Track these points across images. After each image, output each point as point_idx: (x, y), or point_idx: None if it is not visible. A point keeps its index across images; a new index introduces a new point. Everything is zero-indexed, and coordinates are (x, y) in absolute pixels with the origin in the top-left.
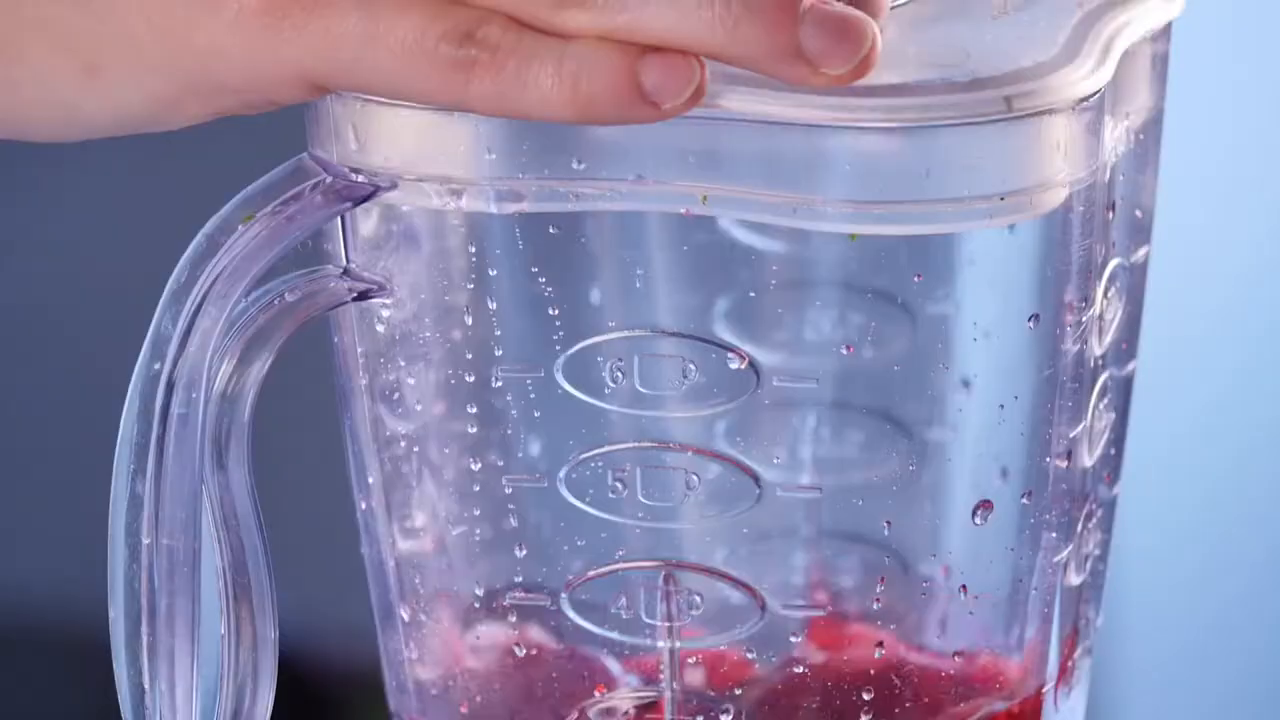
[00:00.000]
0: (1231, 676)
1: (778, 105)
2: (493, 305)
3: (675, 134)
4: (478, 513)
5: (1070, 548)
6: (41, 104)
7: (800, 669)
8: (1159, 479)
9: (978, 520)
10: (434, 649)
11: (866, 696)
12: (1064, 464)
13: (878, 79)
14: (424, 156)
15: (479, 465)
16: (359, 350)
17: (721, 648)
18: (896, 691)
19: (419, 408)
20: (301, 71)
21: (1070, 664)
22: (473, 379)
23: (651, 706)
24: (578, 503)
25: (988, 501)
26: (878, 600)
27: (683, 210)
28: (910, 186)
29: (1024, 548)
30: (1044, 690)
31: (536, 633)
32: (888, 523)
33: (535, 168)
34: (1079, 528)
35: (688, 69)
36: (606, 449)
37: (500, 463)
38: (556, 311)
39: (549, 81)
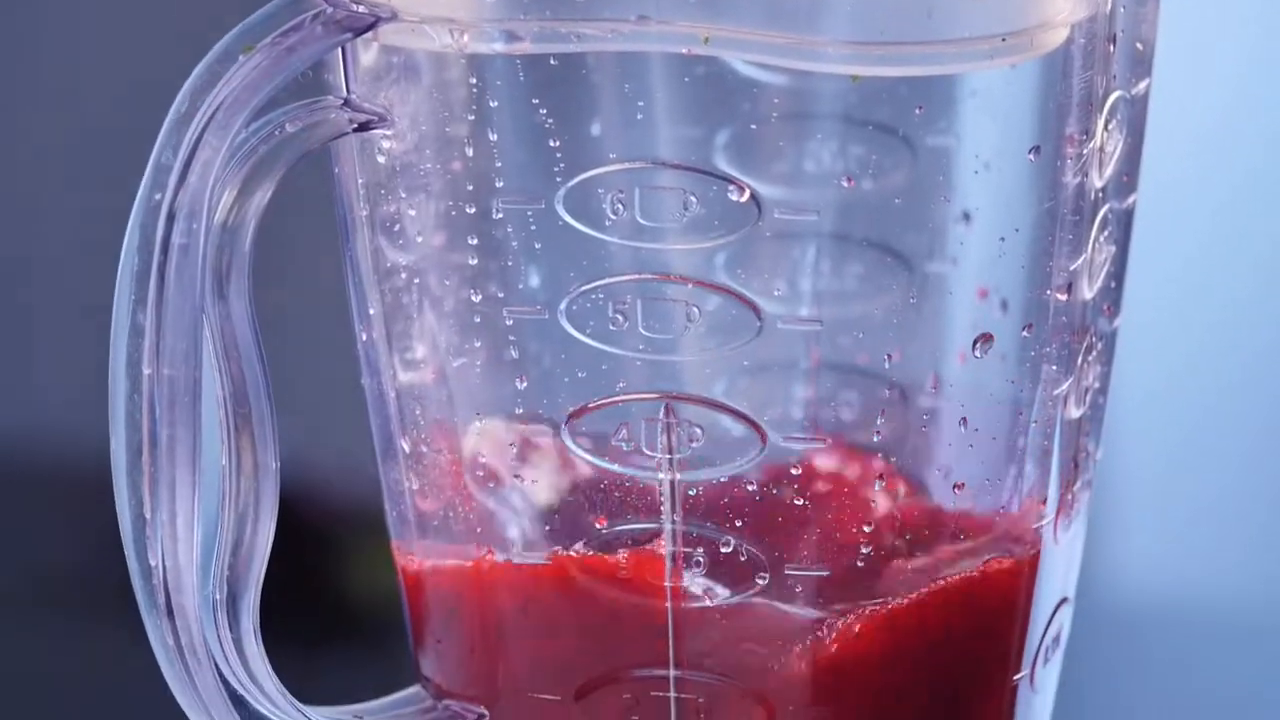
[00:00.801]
0: (1229, 505)
1: None
2: (493, 137)
3: None
4: (478, 344)
5: (1070, 381)
6: None
7: (800, 501)
8: (1159, 312)
9: (978, 353)
10: (435, 480)
11: (866, 530)
12: (1064, 297)
13: None
14: None
15: (479, 297)
16: (359, 182)
17: (722, 480)
18: (896, 524)
19: (419, 239)
20: None
21: (1070, 496)
22: (473, 210)
23: (652, 538)
24: (578, 334)
25: (988, 334)
26: (878, 433)
27: (684, 50)
28: (911, 27)
29: (1024, 380)
30: (1043, 522)
31: (538, 468)
32: (888, 355)
33: (537, 9)
34: (1079, 361)
35: None
36: (607, 281)
37: (500, 294)
38: (557, 143)
39: None
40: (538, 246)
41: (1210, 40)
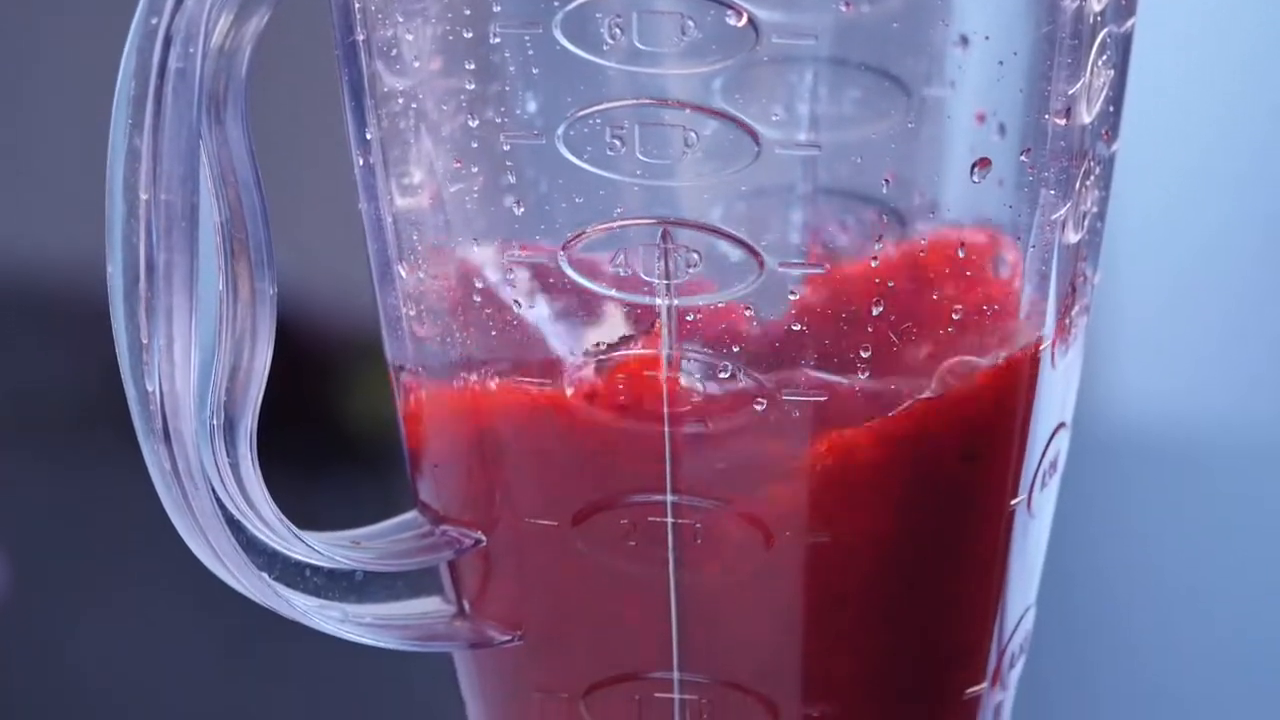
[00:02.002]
0: (1226, 331)
1: None
2: None
3: None
4: (475, 170)
5: (1068, 206)
6: None
7: (798, 326)
8: (1157, 137)
9: (975, 178)
10: (432, 306)
11: (864, 354)
12: (1062, 121)
13: None
14: None
15: (476, 123)
16: (356, 6)
17: (719, 305)
18: (894, 348)
19: (416, 64)
20: None
21: (1067, 322)
22: (470, 35)
23: (649, 364)
24: (575, 160)
25: (985, 159)
26: (875, 258)
27: None
28: None
29: (1021, 205)
30: (1041, 347)
31: (534, 291)
32: (886, 180)
33: None
34: (1077, 185)
35: None
36: (604, 106)
37: (498, 120)
38: None
39: None
40: (535, 72)
41: None
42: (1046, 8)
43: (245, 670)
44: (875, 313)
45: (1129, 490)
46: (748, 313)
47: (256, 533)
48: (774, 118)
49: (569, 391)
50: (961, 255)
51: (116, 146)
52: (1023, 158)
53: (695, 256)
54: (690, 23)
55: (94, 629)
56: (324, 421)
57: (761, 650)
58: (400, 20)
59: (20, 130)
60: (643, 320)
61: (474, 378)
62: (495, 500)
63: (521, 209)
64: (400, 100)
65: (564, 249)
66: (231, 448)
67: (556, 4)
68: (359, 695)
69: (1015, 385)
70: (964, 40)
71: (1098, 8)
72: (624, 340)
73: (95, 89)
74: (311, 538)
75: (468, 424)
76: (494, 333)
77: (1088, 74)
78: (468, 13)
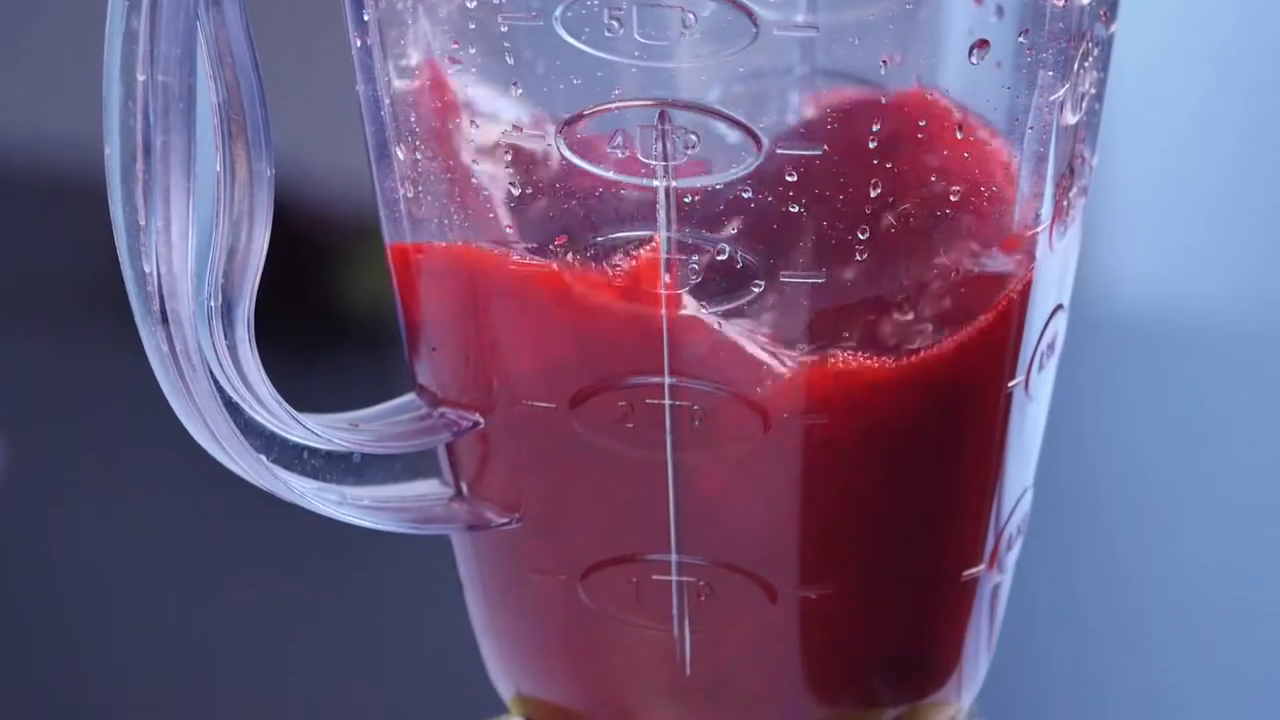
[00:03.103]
0: (1222, 213)
1: None
2: None
3: None
4: (473, 51)
5: (1066, 87)
6: None
7: (795, 208)
8: (1156, 17)
9: (974, 59)
10: (429, 187)
11: (862, 236)
12: (1060, 2)
13: None
14: None
15: (474, 3)
16: None
17: (717, 187)
18: (892, 231)
19: None
20: None
21: (1065, 203)
22: None
23: (648, 245)
24: (574, 41)
25: (984, 40)
26: (874, 139)
27: None
28: None
29: (1020, 87)
30: (1039, 229)
31: (532, 173)
32: (884, 62)
33: None
34: (1075, 66)
35: None
36: None
37: (496, 0)
38: None
39: None
40: None
41: None
42: None
43: (241, 552)
44: (873, 194)
45: (1126, 370)
46: (745, 194)
47: (254, 415)
48: None
49: (566, 274)
50: (959, 136)
51: (114, 28)
52: (1021, 39)
53: (693, 138)
54: None
55: (90, 512)
56: (322, 304)
57: (759, 532)
58: None
59: (19, 11)
60: (641, 202)
61: (471, 259)
62: (493, 383)
63: (519, 90)
64: None
65: (562, 131)
66: (229, 330)
67: None
68: (356, 580)
69: (1013, 267)
70: None
71: None
72: (621, 222)
73: None
74: (309, 420)
75: (465, 306)
76: (491, 214)
77: None
78: None
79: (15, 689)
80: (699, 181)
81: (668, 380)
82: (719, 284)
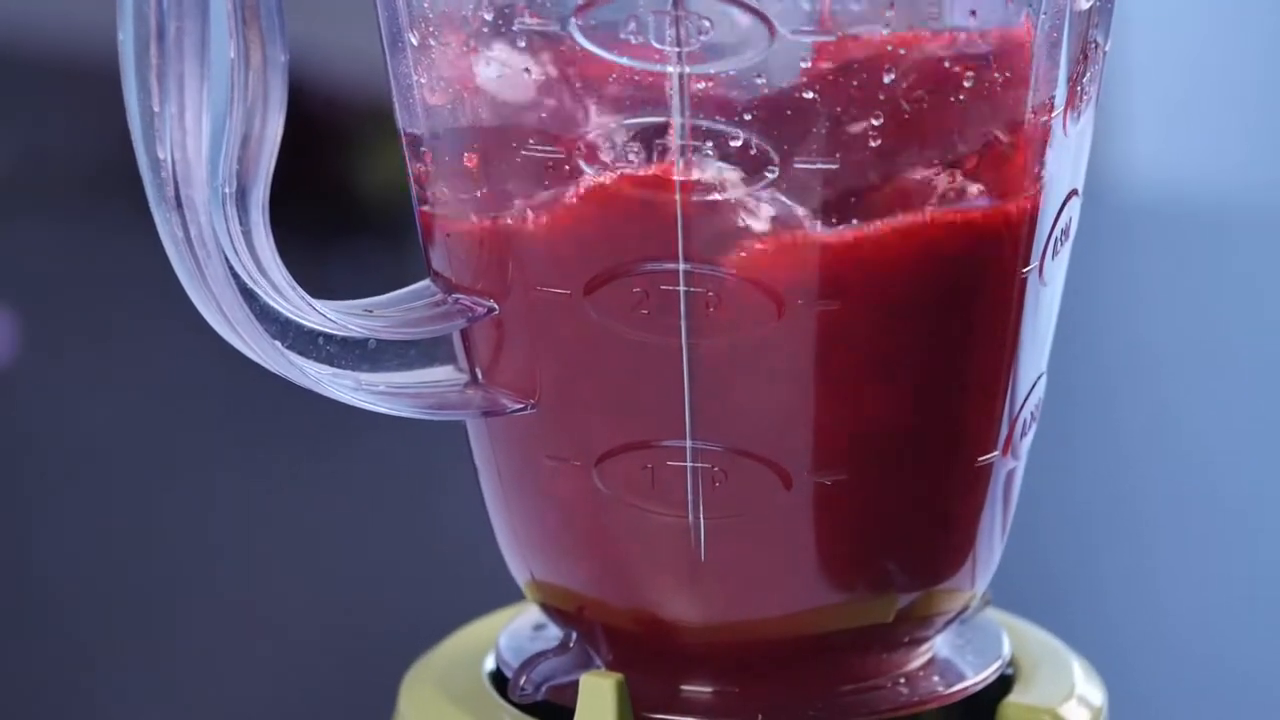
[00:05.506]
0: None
1: None
2: None
3: None
4: None
5: None
6: None
7: (810, 94)
8: None
9: None
10: (443, 73)
11: (876, 122)
12: None
13: None
14: None
15: None
16: None
17: (730, 73)
18: (905, 115)
19: None
20: None
21: (1079, 89)
22: None
23: (661, 132)
24: None
25: None
26: (887, 24)
27: None
28: None
29: None
30: (1053, 114)
31: (546, 60)
32: None
33: None
34: None
35: None
36: None
37: None
38: None
39: None
40: None
41: None
42: None
43: (256, 437)
44: (887, 80)
45: (1140, 255)
46: (759, 80)
47: (270, 301)
48: None
49: (581, 159)
50: (973, 22)
51: None
52: None
53: (706, 24)
54: None
55: (103, 396)
56: (337, 190)
57: (773, 418)
58: None
59: None
60: (654, 89)
61: (484, 145)
62: (508, 269)
63: None
64: None
65: (575, 16)
66: (244, 215)
67: None
68: (369, 462)
69: (1027, 152)
70: None
71: None
72: (635, 108)
73: None
74: (324, 306)
75: (480, 191)
76: (504, 99)
77: None
78: None
79: (26, 573)
80: (712, 67)
81: (682, 266)
82: (733, 170)
